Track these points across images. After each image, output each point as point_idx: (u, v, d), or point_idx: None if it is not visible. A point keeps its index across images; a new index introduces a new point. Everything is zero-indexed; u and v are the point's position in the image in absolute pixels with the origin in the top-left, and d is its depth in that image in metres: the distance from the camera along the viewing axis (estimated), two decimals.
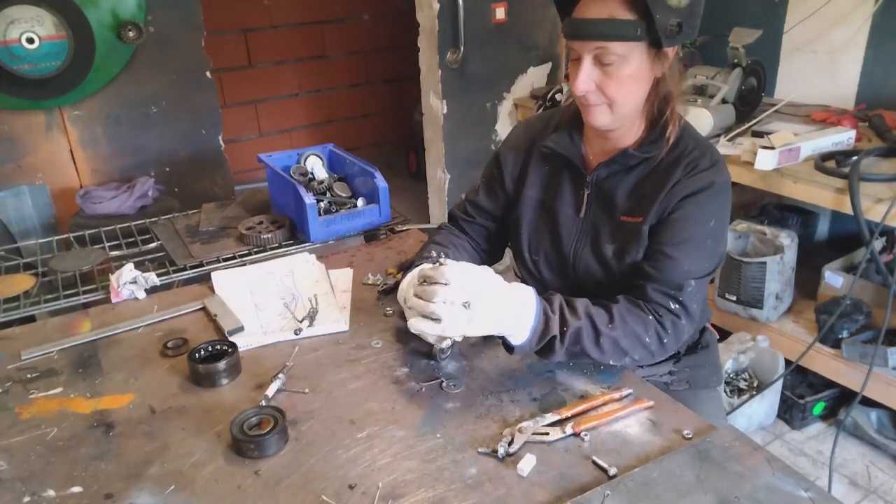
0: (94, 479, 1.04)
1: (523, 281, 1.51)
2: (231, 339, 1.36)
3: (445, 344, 1.25)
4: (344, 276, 1.63)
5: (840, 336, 2.33)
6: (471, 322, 1.14)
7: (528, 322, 1.17)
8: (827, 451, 2.24)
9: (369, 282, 1.61)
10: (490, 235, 1.57)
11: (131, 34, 2.45)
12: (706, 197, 1.26)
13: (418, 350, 1.33)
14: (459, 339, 1.25)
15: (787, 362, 2.42)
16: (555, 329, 1.18)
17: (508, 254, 1.67)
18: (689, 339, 1.47)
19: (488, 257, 1.59)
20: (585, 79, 1.23)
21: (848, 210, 2.10)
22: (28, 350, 1.37)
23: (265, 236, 1.87)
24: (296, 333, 1.39)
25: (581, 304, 1.23)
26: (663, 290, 1.26)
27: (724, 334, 2.56)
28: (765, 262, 2.45)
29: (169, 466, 1.06)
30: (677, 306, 1.26)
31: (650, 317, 1.25)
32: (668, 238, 1.27)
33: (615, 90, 1.23)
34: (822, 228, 3.00)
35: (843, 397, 2.46)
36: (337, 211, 1.92)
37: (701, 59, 3.08)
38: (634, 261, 1.31)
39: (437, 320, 1.13)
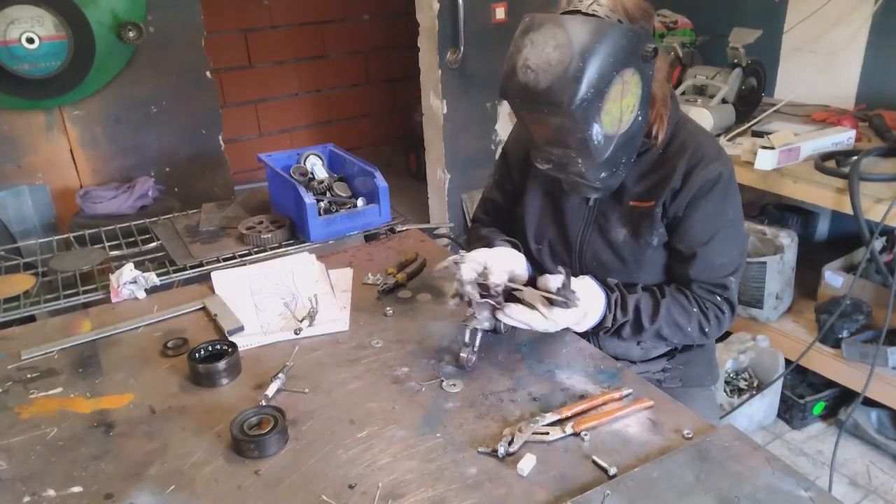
0: (94, 479, 1.04)
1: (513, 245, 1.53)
2: (231, 338, 1.36)
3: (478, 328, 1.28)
4: (344, 276, 1.63)
5: (840, 336, 2.33)
6: (582, 325, 1.29)
7: (596, 316, 1.31)
8: (827, 451, 2.24)
9: (369, 282, 1.60)
10: (511, 231, 1.60)
11: (131, 34, 2.45)
12: (720, 190, 1.33)
13: (419, 350, 1.33)
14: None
15: (787, 362, 2.42)
16: (607, 324, 1.33)
17: None
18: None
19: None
20: None
21: (848, 210, 2.10)
22: (28, 350, 1.37)
23: (265, 236, 1.87)
24: (296, 333, 1.39)
25: (632, 299, 1.33)
26: (707, 288, 1.37)
27: (723, 334, 2.56)
28: (765, 262, 2.45)
29: (169, 466, 1.06)
30: (721, 300, 1.38)
31: (695, 308, 1.36)
32: (696, 238, 1.35)
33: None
34: (822, 228, 3.00)
35: (843, 397, 2.45)
36: (337, 211, 1.92)
37: (701, 59, 3.08)
38: (649, 243, 1.37)
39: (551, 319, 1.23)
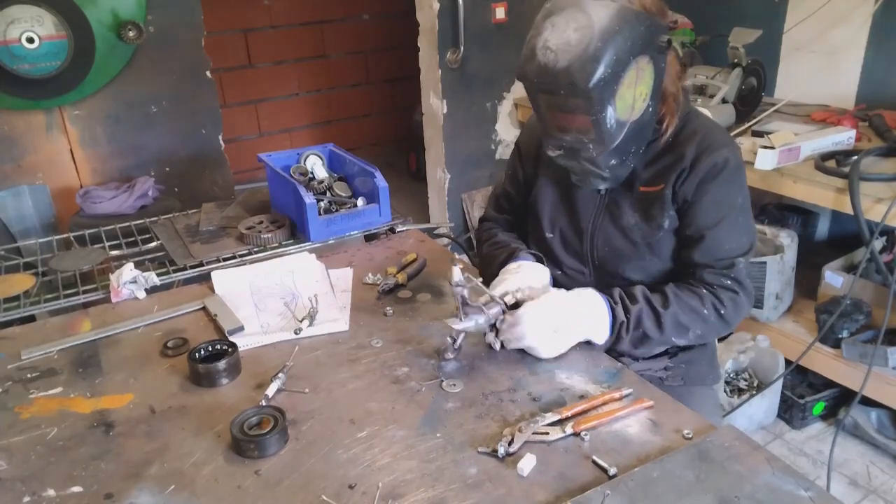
0: (94, 479, 1.04)
1: (537, 259, 1.53)
2: (231, 338, 1.36)
3: (460, 337, 1.28)
4: (344, 276, 1.63)
5: (840, 336, 2.33)
6: (563, 343, 1.28)
7: (605, 320, 1.30)
8: (827, 451, 2.24)
9: (369, 282, 1.61)
10: (524, 223, 1.62)
11: (131, 34, 2.45)
12: (727, 175, 1.34)
13: (419, 350, 1.33)
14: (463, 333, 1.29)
15: (787, 362, 2.42)
16: (621, 316, 1.30)
17: None
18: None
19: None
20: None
21: (848, 210, 2.10)
22: (28, 350, 1.37)
23: (265, 236, 1.87)
24: (296, 333, 1.39)
25: (638, 289, 1.34)
26: (714, 271, 1.36)
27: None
28: (765, 262, 2.45)
29: (169, 466, 1.06)
30: (731, 282, 1.35)
31: (704, 291, 1.35)
32: (704, 222, 1.35)
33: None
34: (822, 228, 3.00)
35: (843, 397, 2.45)
36: (337, 211, 1.92)
37: (701, 58, 3.08)
38: (660, 226, 1.38)
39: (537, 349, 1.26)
